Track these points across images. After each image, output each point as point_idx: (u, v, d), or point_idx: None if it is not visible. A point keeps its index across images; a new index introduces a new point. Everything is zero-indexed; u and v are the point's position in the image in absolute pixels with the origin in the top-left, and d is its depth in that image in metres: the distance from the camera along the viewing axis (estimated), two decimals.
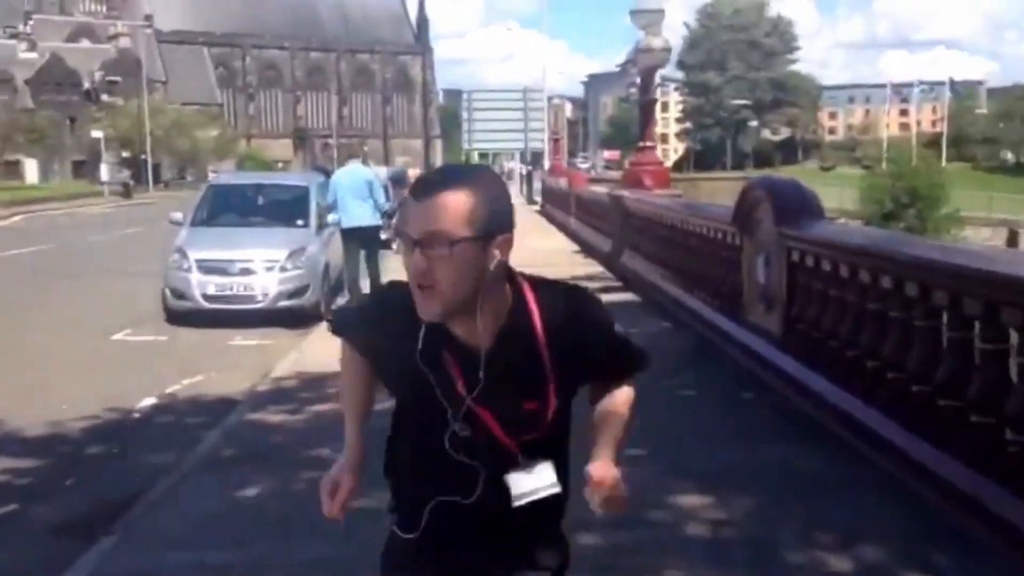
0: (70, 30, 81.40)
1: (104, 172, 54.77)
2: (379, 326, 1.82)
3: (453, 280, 1.63)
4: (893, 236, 6.80)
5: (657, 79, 14.08)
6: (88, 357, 9.09)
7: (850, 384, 5.27)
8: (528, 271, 1.82)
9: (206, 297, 10.70)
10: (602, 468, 1.78)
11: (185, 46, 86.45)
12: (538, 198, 32.09)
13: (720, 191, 37.33)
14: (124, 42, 75.95)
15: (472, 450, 1.74)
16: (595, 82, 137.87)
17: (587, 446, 1.86)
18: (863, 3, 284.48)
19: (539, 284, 1.79)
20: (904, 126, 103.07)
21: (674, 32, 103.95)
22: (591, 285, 9.02)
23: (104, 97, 69.98)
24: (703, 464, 5.03)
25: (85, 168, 63.10)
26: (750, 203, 7.21)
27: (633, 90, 28.64)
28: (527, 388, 1.75)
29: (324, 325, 10.17)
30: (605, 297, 2.09)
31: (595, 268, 14.01)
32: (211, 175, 42.08)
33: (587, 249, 16.75)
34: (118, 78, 69.87)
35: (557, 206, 24.61)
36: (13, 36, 76.73)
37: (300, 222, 11.73)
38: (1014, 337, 4.07)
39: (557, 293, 1.79)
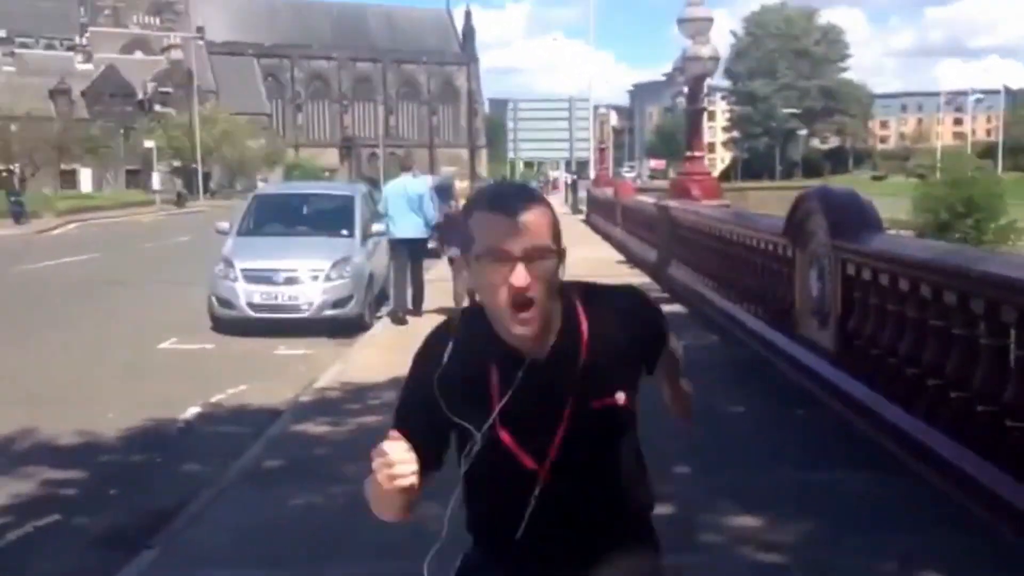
0: (124, 42, 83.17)
1: (156, 181, 55.77)
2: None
3: (547, 295, 1.63)
4: (958, 250, 6.55)
5: (704, 88, 13.89)
6: (135, 365, 9.16)
7: (910, 403, 5.07)
8: None
9: (251, 306, 10.76)
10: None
11: (235, 57, 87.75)
12: (583, 207, 31.97)
13: (769, 201, 36.85)
14: (176, 54, 77.23)
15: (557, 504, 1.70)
16: (640, 91, 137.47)
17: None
18: (914, 12, 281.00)
19: (591, 296, 1.73)
20: (958, 135, 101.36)
21: (720, 41, 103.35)
22: None
23: (157, 107, 71.38)
24: (755, 484, 4.85)
25: (138, 177, 64.24)
26: (803, 214, 7.02)
27: (680, 99, 28.39)
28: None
29: (367, 335, 10.17)
30: None
31: (641, 279, 13.83)
32: (259, 184, 42.60)
33: (633, 259, 16.61)
34: (170, 89, 71.30)
35: (603, 216, 24.46)
36: (70, 48, 78.67)
37: (345, 232, 11.74)
38: None
39: (610, 299, 1.76)
